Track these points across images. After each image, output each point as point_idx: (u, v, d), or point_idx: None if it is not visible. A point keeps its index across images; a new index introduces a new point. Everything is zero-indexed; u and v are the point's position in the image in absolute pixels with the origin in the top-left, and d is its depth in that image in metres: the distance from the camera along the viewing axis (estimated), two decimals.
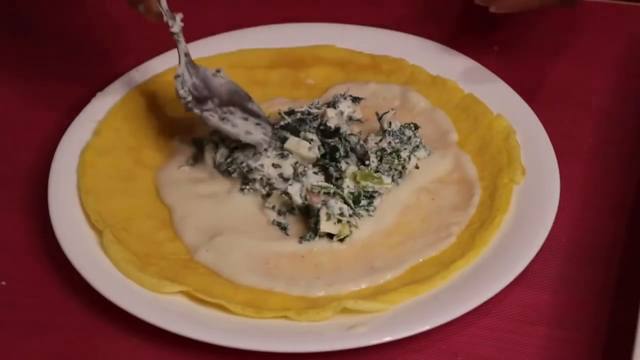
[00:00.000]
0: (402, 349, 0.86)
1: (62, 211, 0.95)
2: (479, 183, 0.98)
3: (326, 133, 0.99)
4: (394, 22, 1.15)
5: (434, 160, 1.00)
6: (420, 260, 0.92)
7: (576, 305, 0.89)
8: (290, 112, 1.01)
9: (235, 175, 0.98)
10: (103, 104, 1.06)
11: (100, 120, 1.04)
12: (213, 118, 0.99)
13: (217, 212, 0.96)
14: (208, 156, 1.01)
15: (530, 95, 1.04)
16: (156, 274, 0.90)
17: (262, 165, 0.97)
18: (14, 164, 1.05)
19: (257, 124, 1.00)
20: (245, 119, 1.00)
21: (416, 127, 1.01)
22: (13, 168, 1.04)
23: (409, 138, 0.99)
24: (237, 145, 0.99)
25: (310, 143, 0.98)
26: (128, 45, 1.16)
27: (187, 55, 1.00)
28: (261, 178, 0.97)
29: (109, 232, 0.93)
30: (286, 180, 0.96)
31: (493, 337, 0.87)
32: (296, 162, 0.98)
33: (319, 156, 0.98)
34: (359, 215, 0.94)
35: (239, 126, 0.99)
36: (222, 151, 1.00)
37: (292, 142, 0.98)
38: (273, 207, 0.96)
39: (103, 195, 0.97)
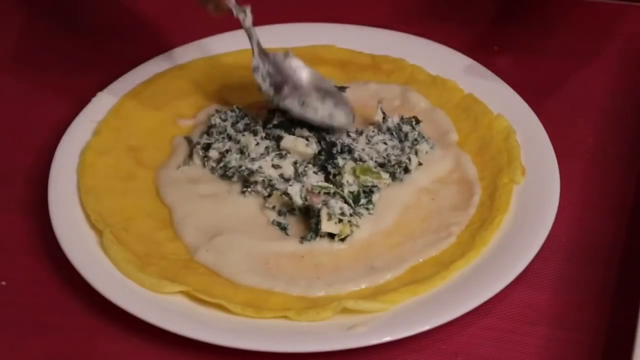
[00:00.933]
0: (402, 349, 0.86)
1: (62, 211, 0.95)
2: (479, 183, 0.98)
3: (322, 129, 0.99)
4: (394, 22, 1.15)
5: (434, 160, 1.00)
6: (420, 260, 0.92)
7: (576, 305, 0.89)
8: (276, 109, 1.01)
9: (235, 179, 0.98)
10: (103, 104, 1.06)
11: (100, 120, 1.05)
12: (294, 105, 0.98)
13: (217, 212, 0.96)
14: (196, 157, 1.01)
15: (530, 95, 1.04)
16: (156, 274, 0.90)
17: (261, 167, 0.97)
18: (14, 164, 1.05)
19: (336, 104, 0.99)
20: (322, 100, 0.99)
21: (417, 121, 1.01)
22: (13, 168, 1.04)
23: (406, 135, 0.99)
24: (228, 148, 0.99)
25: (307, 140, 0.98)
26: (127, 46, 1.16)
27: (259, 44, 0.99)
28: (263, 180, 0.97)
29: (109, 232, 0.93)
30: (287, 180, 0.96)
31: (493, 337, 0.87)
32: (295, 162, 0.98)
33: (316, 151, 0.98)
34: (359, 215, 0.94)
35: (319, 110, 0.99)
36: (213, 153, 1.00)
37: (288, 140, 0.98)
38: (273, 208, 0.96)
39: (103, 195, 0.97)
